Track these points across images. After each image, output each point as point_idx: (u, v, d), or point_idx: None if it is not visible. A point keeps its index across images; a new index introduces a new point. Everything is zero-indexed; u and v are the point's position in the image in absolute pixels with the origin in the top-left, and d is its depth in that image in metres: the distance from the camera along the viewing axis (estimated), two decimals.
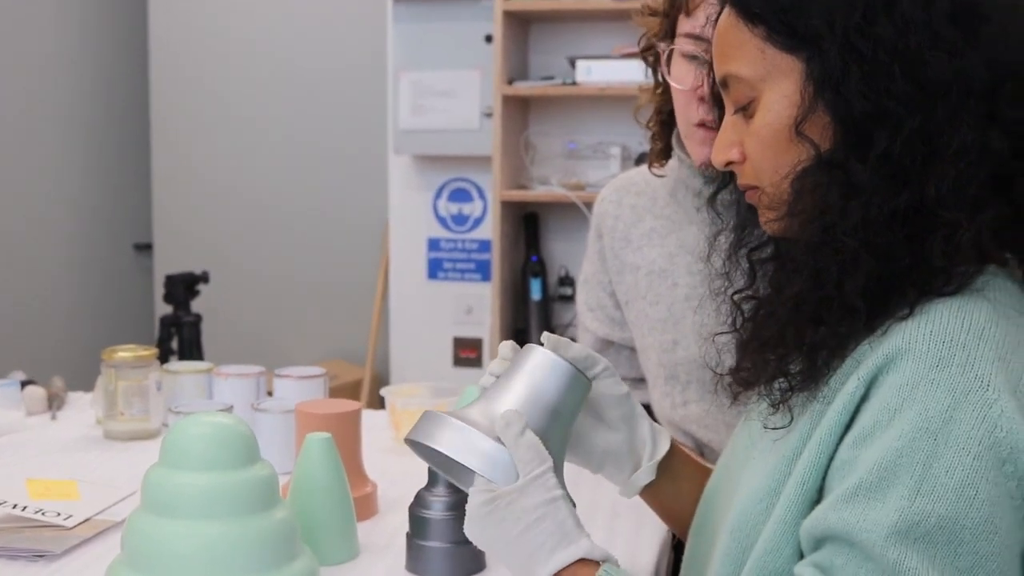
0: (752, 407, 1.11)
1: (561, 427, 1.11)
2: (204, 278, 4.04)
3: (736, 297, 1.12)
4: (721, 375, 1.13)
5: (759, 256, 1.12)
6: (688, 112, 1.57)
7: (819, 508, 0.95)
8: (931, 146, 0.94)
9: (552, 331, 3.51)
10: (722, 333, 1.14)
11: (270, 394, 1.93)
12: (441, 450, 1.05)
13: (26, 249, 4.47)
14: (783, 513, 0.98)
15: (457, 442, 1.05)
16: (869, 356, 0.95)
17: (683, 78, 1.56)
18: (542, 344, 1.15)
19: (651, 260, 1.74)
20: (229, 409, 1.74)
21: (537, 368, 1.11)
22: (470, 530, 1.06)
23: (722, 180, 1.17)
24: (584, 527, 1.05)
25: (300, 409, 1.52)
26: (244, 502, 1.17)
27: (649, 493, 1.26)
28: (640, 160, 3.56)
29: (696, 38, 1.53)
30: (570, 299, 3.87)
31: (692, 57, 1.55)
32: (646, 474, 1.23)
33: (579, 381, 1.12)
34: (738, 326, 1.11)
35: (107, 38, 4.94)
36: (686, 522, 1.23)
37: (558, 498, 1.03)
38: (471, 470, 1.05)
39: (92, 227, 4.86)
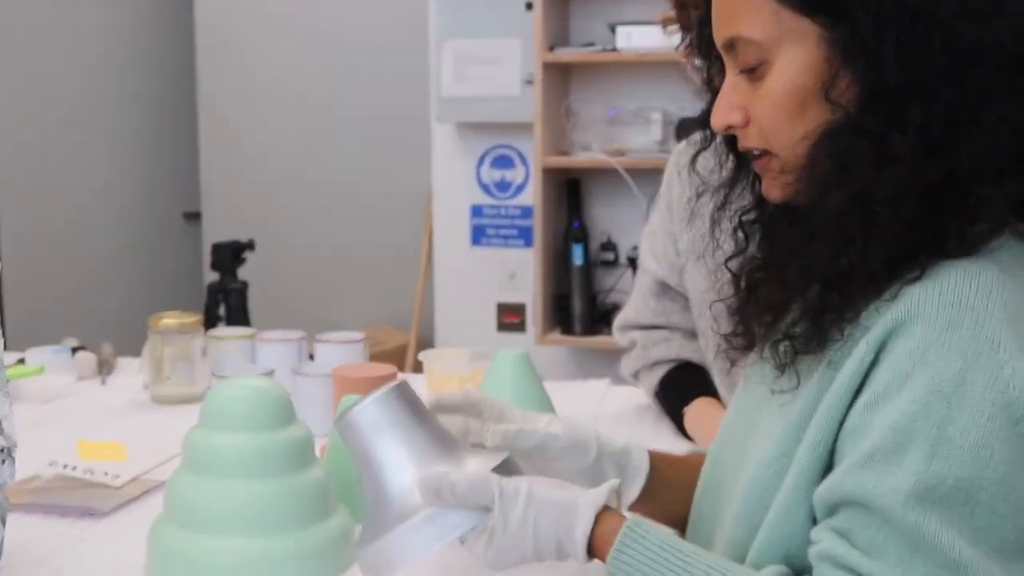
0: (751, 371, 1.10)
1: (434, 435, 1.06)
2: (250, 246, 4.09)
3: (731, 263, 1.11)
4: (721, 341, 1.13)
5: (750, 219, 1.11)
6: None
7: (834, 474, 0.95)
8: (965, 118, 0.94)
9: (594, 296, 3.50)
10: (719, 301, 1.14)
11: (312, 359, 1.96)
12: (403, 564, 1.00)
13: (78, 220, 4.55)
14: (795, 479, 0.98)
15: (411, 543, 1.00)
16: (878, 321, 0.95)
17: None
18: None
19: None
20: (270, 373, 1.78)
21: (367, 430, 1.04)
22: (498, 571, 1.04)
23: (703, 142, 1.16)
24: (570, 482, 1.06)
25: (337, 373, 1.55)
26: (280, 461, 1.21)
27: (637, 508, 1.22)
28: (681, 126, 3.56)
29: None
30: (612, 264, 3.87)
31: None
32: (628, 496, 1.20)
33: (388, 397, 1.05)
34: (734, 291, 1.11)
35: (155, 13, 4.99)
36: (680, 520, 1.21)
37: (524, 491, 1.01)
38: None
39: (142, 197, 4.93)
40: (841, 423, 0.97)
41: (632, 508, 1.21)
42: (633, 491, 1.20)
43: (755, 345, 1.07)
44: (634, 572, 0.99)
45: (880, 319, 0.95)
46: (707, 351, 1.79)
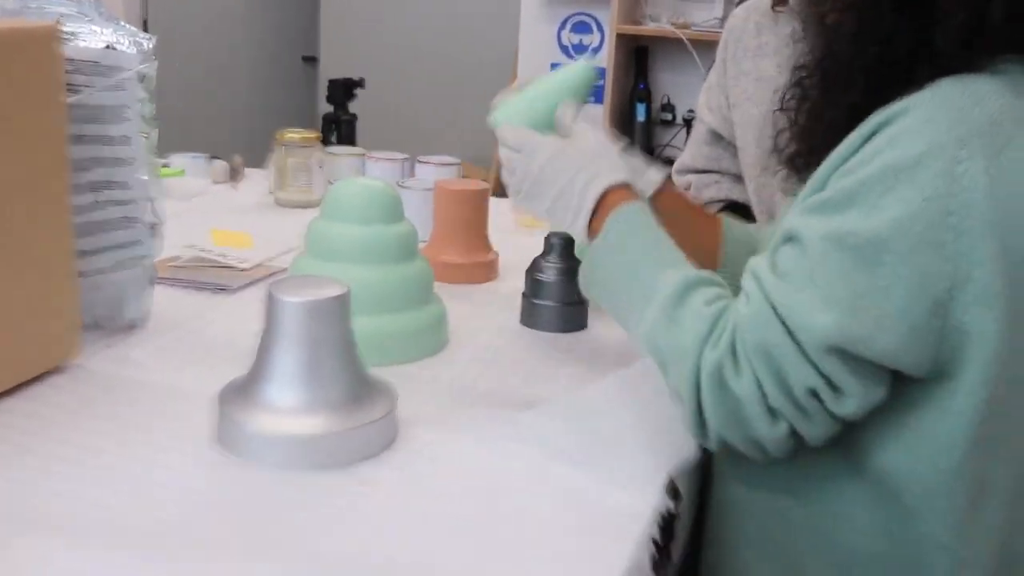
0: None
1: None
2: (361, 84, 4.02)
3: (794, 89, 1.04)
4: (778, 161, 1.06)
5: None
6: None
7: (791, 213, 0.90)
8: None
9: (652, 150, 3.43)
10: (779, 134, 1.06)
11: (413, 176, 1.91)
12: None
13: (217, 60, 4.48)
14: (774, 238, 0.93)
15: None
16: (877, 115, 0.88)
17: None
18: None
19: (762, 68, 1.68)
20: None
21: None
22: (524, 182, 1.09)
23: None
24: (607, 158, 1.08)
25: (439, 185, 1.50)
26: (390, 252, 1.17)
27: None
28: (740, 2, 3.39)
29: None
30: (670, 123, 3.76)
31: None
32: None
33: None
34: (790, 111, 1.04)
35: None
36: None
37: (563, 148, 1.07)
38: None
39: (268, 43, 4.85)
40: (821, 189, 0.90)
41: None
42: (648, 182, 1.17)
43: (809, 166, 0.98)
44: (616, 236, 1.01)
45: (876, 116, 0.88)
46: (749, 184, 1.73)
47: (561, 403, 1.04)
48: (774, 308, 0.85)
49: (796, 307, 0.84)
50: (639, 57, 3.78)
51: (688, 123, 3.63)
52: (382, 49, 4.79)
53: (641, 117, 3.73)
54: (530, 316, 1.32)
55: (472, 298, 1.43)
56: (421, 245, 1.35)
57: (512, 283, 1.48)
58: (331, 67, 4.79)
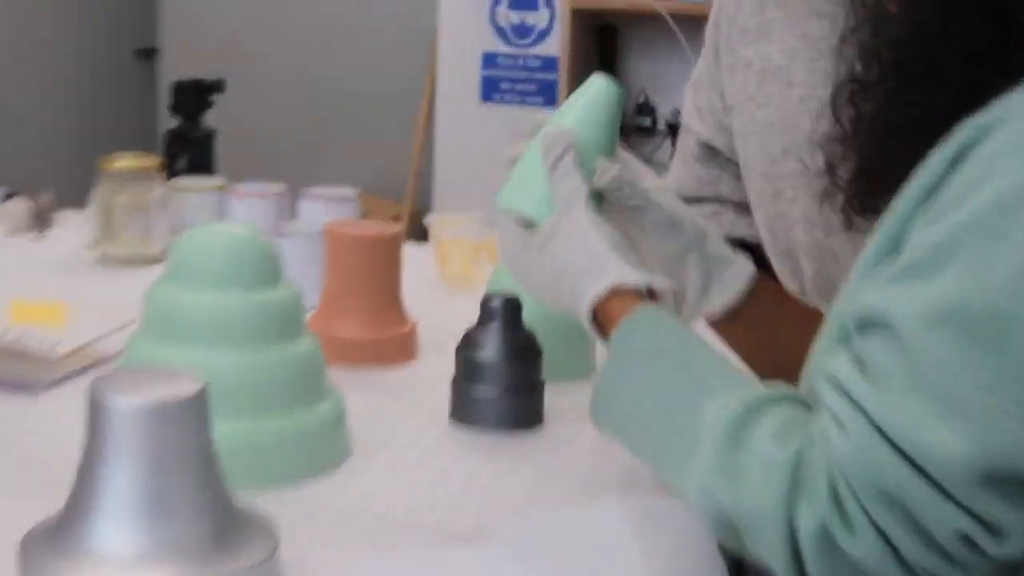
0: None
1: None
2: (218, 87, 4.04)
3: (852, 88, 1.06)
4: (833, 189, 1.09)
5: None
6: None
7: (867, 288, 0.92)
8: None
9: None
10: (833, 141, 1.09)
11: (293, 218, 1.93)
12: None
13: (11, 50, 4.48)
14: (839, 304, 0.95)
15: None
16: (962, 130, 0.90)
17: None
18: None
19: (766, 55, 1.70)
20: None
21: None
22: (518, 279, 1.19)
23: None
24: (624, 248, 1.15)
25: (331, 229, 1.51)
26: (263, 328, 1.16)
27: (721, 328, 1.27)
28: None
29: None
30: (649, 131, 3.82)
31: None
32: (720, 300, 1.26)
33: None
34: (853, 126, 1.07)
35: None
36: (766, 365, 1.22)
37: (588, 228, 1.12)
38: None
39: (88, 30, 4.86)
40: (898, 240, 0.93)
41: (714, 324, 1.27)
42: (718, 300, 1.25)
43: (883, 198, 1.00)
44: (634, 353, 1.06)
45: (965, 128, 0.90)
46: (761, 227, 1.74)
47: (514, 535, 1.03)
48: (883, 433, 0.86)
49: (913, 427, 0.85)
50: (604, 41, 3.86)
51: (673, 129, 3.69)
52: (248, 38, 4.80)
53: None
54: (464, 410, 1.32)
55: (382, 387, 1.43)
56: (308, 315, 1.35)
57: (437, 364, 1.47)
58: (177, 64, 4.80)
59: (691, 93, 1.86)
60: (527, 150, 1.26)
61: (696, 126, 1.83)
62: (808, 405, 0.96)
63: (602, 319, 1.11)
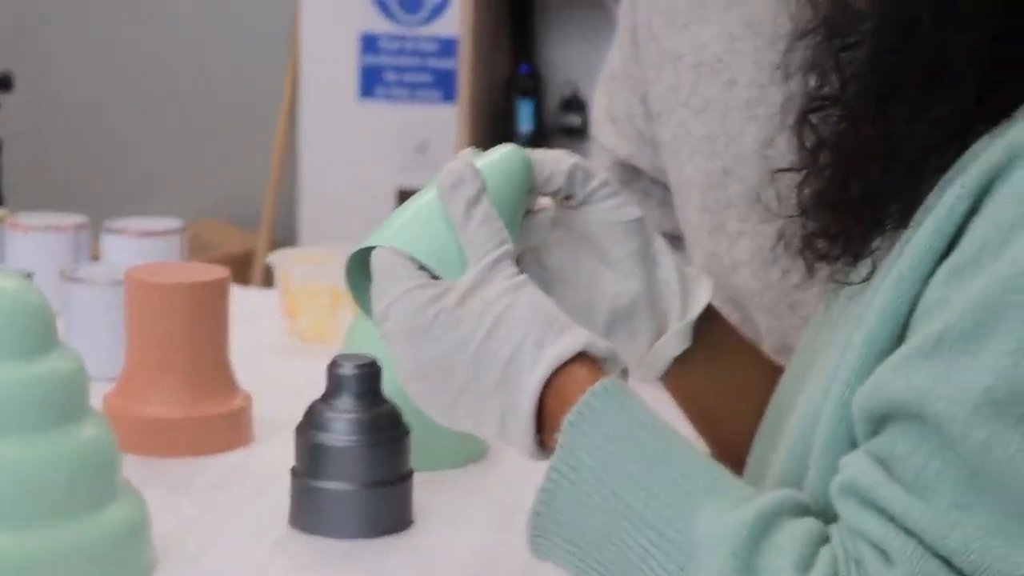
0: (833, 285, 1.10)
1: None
2: (4, 83, 4.02)
3: (812, 107, 1.08)
4: (788, 238, 1.12)
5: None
6: None
7: (880, 370, 0.93)
8: None
9: None
10: (789, 169, 1.12)
11: (96, 259, 1.93)
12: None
13: None
14: (842, 389, 0.97)
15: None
16: (980, 156, 0.93)
17: None
18: None
19: (701, 45, 1.71)
20: (28, 277, 1.73)
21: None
22: (406, 357, 1.09)
23: None
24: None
25: (132, 276, 1.50)
26: (32, 409, 1.16)
27: (677, 375, 1.25)
28: None
29: None
30: (577, 133, 3.85)
31: None
32: (676, 341, 1.22)
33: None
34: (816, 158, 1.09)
35: None
36: (725, 428, 1.23)
37: (525, 283, 1.09)
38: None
39: None
40: (914, 301, 0.95)
41: (666, 378, 1.26)
42: (698, 301, 1.26)
43: (848, 250, 1.05)
44: (589, 452, 1.01)
45: (983, 154, 0.93)
46: (694, 249, 1.77)
47: None
48: (948, 563, 0.87)
49: (986, 553, 0.86)
50: (518, 20, 3.90)
51: None
52: (47, 22, 4.80)
53: (527, 125, 3.85)
54: (307, 511, 1.32)
55: (201, 483, 1.43)
56: (103, 389, 1.35)
57: (280, 451, 1.47)
58: None
59: (603, 94, 1.87)
60: (423, 189, 1.25)
61: (609, 141, 1.84)
62: (809, 508, 0.97)
63: (550, 400, 1.07)
